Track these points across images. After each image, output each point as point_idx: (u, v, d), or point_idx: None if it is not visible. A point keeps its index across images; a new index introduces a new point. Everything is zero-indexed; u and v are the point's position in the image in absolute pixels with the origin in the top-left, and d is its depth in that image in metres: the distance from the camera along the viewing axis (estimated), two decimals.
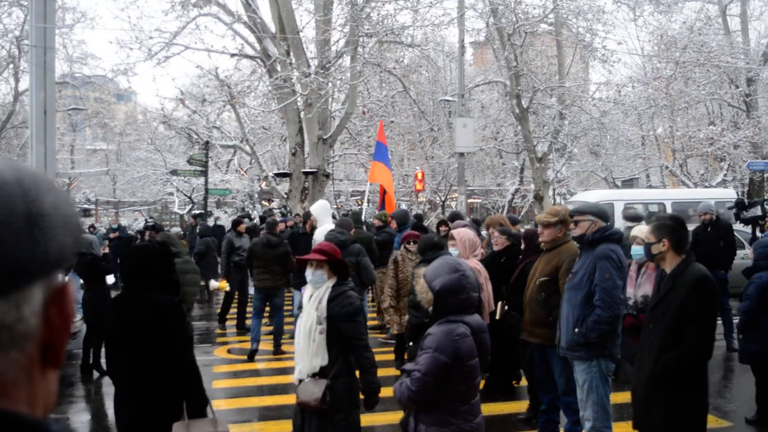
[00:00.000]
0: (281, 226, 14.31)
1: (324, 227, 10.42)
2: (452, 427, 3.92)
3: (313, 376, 4.83)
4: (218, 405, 7.48)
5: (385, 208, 14.80)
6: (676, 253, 4.77)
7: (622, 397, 7.27)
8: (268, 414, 8.01)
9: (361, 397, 5.09)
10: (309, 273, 4.97)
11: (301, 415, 4.96)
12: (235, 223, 13.89)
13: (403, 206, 35.45)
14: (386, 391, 7.64)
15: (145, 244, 5.07)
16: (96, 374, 9.75)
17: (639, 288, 6.24)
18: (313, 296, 4.94)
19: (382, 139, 15.68)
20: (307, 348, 4.86)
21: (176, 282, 4.81)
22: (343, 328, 4.88)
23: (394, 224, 11.93)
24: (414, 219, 12.70)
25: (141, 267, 4.50)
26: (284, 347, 11.03)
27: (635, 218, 10.27)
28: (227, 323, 13.48)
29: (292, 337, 11.03)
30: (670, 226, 4.83)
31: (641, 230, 6.45)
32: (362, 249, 9.83)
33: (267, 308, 11.56)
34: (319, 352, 4.85)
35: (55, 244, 0.74)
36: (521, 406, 7.99)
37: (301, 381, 4.91)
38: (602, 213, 5.90)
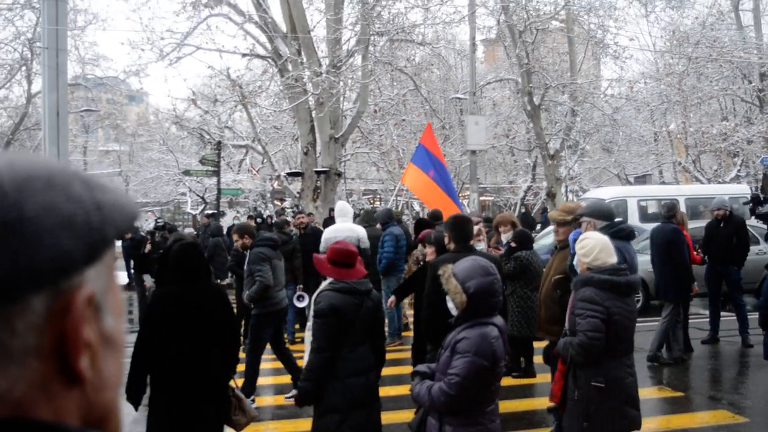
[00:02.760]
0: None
1: (340, 225, 10.53)
2: (480, 427, 3.91)
3: None
4: None
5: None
6: (455, 245, 5.75)
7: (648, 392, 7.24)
8: (281, 414, 8.04)
9: None
10: None
11: None
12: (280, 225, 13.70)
13: (416, 205, 35.50)
14: (400, 390, 7.69)
15: (189, 241, 5.39)
16: None
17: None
18: None
19: (424, 141, 13.60)
20: None
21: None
22: None
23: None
24: (426, 218, 12.60)
25: (201, 260, 4.97)
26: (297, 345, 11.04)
27: None
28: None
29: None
30: (451, 223, 5.96)
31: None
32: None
33: None
34: None
35: (48, 250, 0.66)
36: (534, 403, 7.98)
37: None
38: (599, 212, 5.91)
